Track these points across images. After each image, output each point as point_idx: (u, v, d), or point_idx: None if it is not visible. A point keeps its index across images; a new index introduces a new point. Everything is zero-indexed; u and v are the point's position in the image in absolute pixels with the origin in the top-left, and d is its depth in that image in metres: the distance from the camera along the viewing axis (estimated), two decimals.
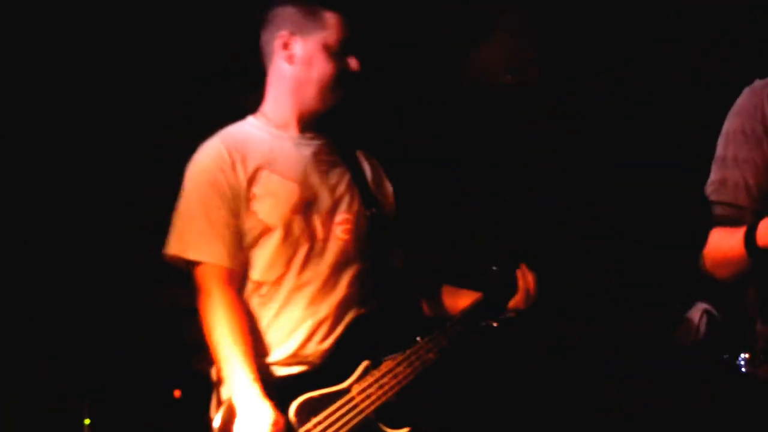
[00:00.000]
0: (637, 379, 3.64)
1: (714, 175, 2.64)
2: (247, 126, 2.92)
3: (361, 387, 2.76)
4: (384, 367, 2.80)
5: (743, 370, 2.48)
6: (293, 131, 2.91)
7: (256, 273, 2.80)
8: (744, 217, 2.56)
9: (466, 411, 3.81)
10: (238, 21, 3.63)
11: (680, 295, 3.44)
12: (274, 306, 2.80)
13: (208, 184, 2.77)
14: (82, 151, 3.89)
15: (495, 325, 2.98)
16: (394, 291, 2.97)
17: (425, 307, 3.09)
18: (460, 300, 3.04)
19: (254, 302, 2.81)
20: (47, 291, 3.86)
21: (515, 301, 2.96)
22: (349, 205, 2.91)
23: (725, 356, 2.52)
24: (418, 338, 2.85)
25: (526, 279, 2.96)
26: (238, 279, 2.79)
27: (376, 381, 2.78)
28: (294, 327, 2.79)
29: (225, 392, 2.75)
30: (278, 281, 2.80)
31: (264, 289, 2.80)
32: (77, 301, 3.89)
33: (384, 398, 2.77)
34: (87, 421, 3.88)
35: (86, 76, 3.86)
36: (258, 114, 2.95)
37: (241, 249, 2.79)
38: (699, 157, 2.71)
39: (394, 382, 2.78)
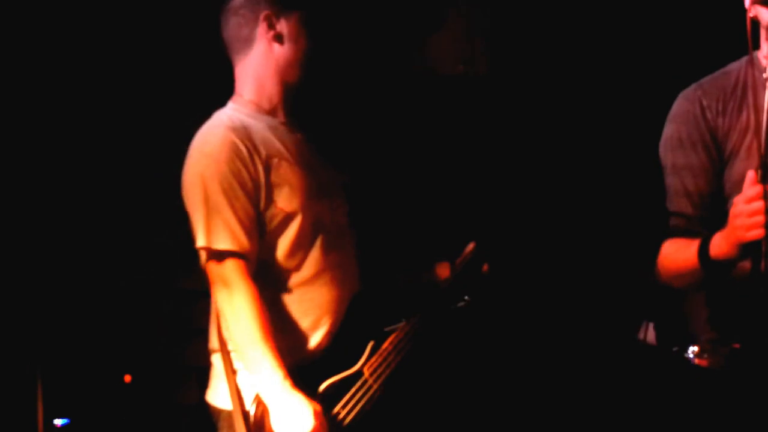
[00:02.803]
0: (636, 379, 3.66)
1: (666, 186, 2.67)
2: (239, 114, 2.87)
3: (372, 367, 2.85)
4: (387, 344, 2.89)
5: (693, 361, 2.57)
6: (281, 116, 2.92)
7: (277, 262, 2.82)
8: (693, 225, 2.60)
9: (464, 411, 3.85)
10: None
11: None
12: (296, 294, 2.84)
13: (231, 176, 2.74)
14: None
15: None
16: (374, 270, 3.05)
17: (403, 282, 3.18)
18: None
19: (276, 291, 2.83)
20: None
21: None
22: (339, 189, 2.98)
23: (674, 349, 2.60)
24: (402, 320, 2.95)
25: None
26: (253, 272, 2.78)
27: (383, 359, 2.87)
28: (312, 314, 2.85)
29: (248, 385, 2.77)
30: (298, 268, 2.83)
31: (285, 276, 2.83)
32: (30, 285, 3.88)
33: (389, 371, 2.87)
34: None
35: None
36: (241, 100, 2.91)
37: (259, 240, 2.79)
38: None
39: (397, 357, 2.89)
